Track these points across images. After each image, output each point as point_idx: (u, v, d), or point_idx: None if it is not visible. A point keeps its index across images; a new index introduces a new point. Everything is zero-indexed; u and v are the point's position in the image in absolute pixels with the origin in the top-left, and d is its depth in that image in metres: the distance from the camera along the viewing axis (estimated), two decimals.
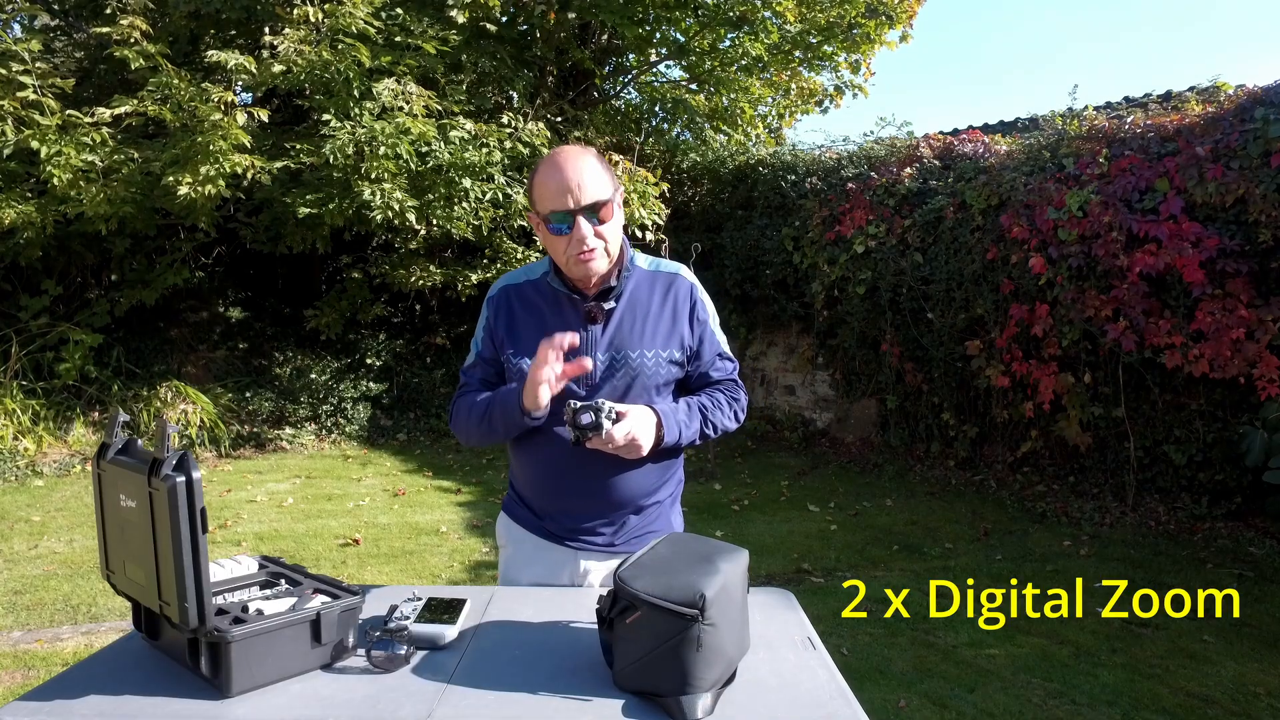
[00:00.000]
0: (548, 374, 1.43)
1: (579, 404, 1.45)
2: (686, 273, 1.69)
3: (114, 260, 7.54)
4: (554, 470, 1.60)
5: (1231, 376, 4.48)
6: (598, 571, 1.65)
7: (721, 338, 1.72)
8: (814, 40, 8.80)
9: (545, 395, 1.45)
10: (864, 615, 3.67)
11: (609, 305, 1.58)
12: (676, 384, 1.67)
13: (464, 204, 6.71)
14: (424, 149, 6.42)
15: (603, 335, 1.58)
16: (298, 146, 6.48)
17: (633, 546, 1.61)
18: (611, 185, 1.55)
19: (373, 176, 6.25)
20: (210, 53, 6.22)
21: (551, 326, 1.57)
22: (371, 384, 8.42)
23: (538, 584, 1.65)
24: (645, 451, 1.51)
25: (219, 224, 7.20)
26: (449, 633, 1.28)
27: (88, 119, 5.96)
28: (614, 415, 1.44)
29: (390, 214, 6.37)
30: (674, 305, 1.63)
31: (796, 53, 9.00)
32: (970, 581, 4.10)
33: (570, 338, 1.45)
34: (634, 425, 1.47)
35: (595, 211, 1.50)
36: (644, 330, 1.59)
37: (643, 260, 1.67)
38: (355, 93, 6.28)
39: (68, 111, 5.94)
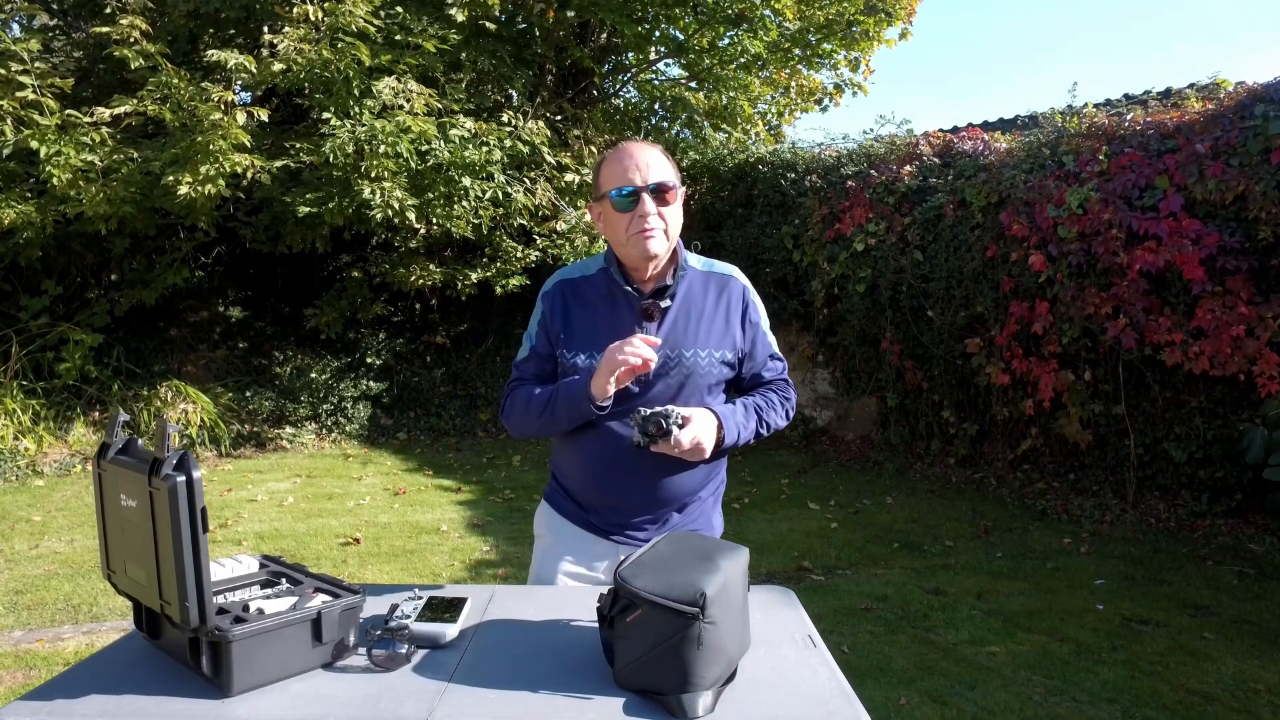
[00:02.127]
0: (620, 364, 1.46)
1: (647, 410, 1.48)
2: (739, 275, 1.72)
3: (114, 260, 7.54)
4: (604, 467, 1.62)
5: (1232, 374, 4.48)
6: None
7: (772, 339, 1.75)
8: (813, 38, 8.80)
9: (613, 384, 1.49)
10: (864, 613, 3.67)
11: (664, 304, 1.60)
12: (729, 383, 1.70)
13: (464, 203, 6.72)
14: (424, 148, 6.42)
15: (657, 333, 1.60)
16: (297, 145, 6.48)
17: None
18: (676, 178, 1.60)
19: (372, 175, 6.25)
20: (210, 52, 6.22)
21: (607, 322, 1.60)
22: (371, 383, 8.42)
23: (573, 574, 1.67)
24: (708, 455, 1.55)
25: (219, 223, 7.20)
26: (450, 631, 1.28)
27: (87, 119, 5.96)
28: (680, 420, 1.47)
29: (390, 213, 6.37)
30: (727, 307, 1.66)
31: (795, 51, 9.00)
32: (971, 579, 4.10)
33: (652, 341, 1.49)
34: (699, 429, 1.50)
35: (660, 193, 1.55)
36: (698, 330, 1.62)
37: (696, 261, 1.69)
38: (355, 91, 6.28)
39: (67, 111, 5.94)
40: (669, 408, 1.48)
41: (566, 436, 1.66)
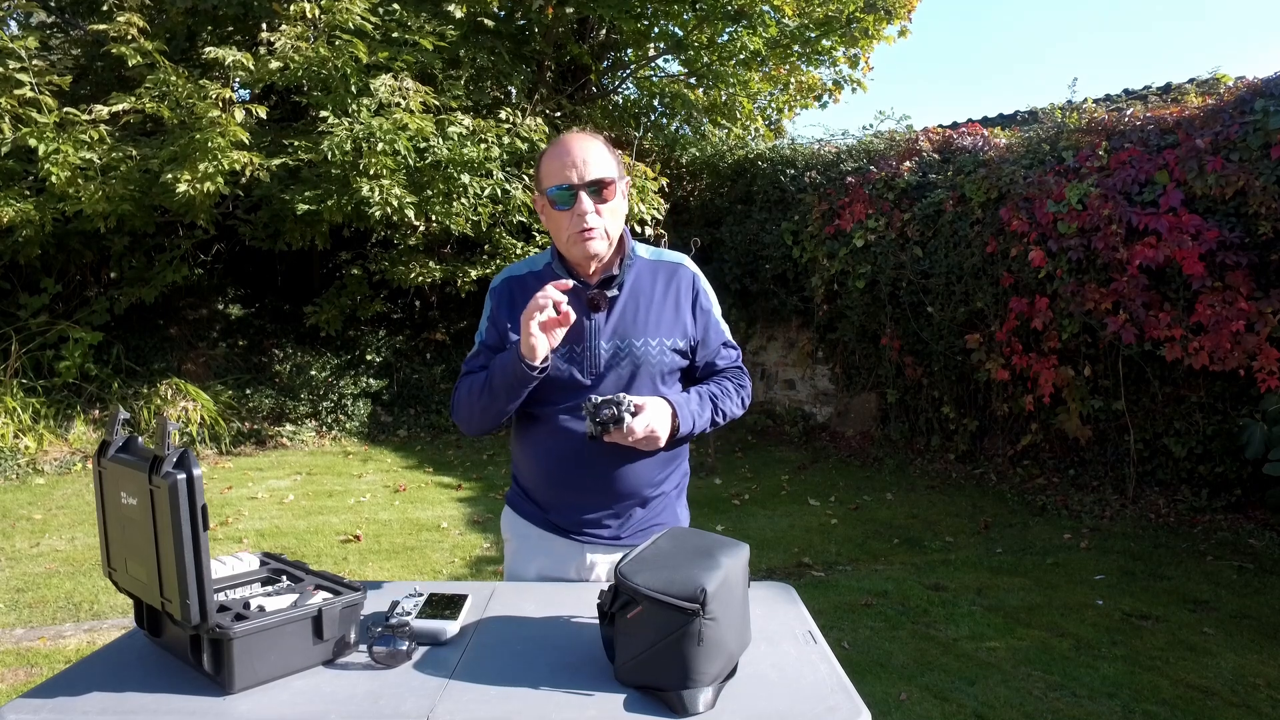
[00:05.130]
0: (539, 321, 1.43)
1: (599, 398, 1.45)
2: (689, 263, 1.70)
3: (113, 258, 7.53)
4: (559, 463, 1.60)
5: (1231, 369, 4.48)
6: (603, 564, 1.64)
7: (724, 326, 1.74)
8: (812, 35, 8.78)
9: (542, 345, 1.45)
10: (865, 608, 3.68)
11: (611, 293, 1.59)
12: (683, 372, 1.68)
13: (462, 200, 6.71)
14: (422, 145, 6.41)
15: (606, 323, 1.58)
16: (296, 143, 6.47)
17: (638, 539, 1.61)
18: (616, 170, 1.57)
19: (371, 173, 6.24)
20: (208, 49, 6.20)
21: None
22: (371, 380, 8.42)
23: (544, 577, 1.65)
24: (663, 443, 1.52)
25: (218, 221, 7.19)
26: (450, 628, 1.29)
27: (85, 116, 5.95)
28: (633, 408, 1.44)
29: (389, 210, 6.37)
30: (676, 295, 1.64)
31: (795, 47, 8.99)
32: (971, 574, 4.11)
33: (562, 284, 1.45)
34: (652, 418, 1.47)
35: (598, 190, 1.53)
36: (647, 318, 1.60)
37: (644, 251, 1.68)
38: (353, 89, 6.27)
39: (65, 109, 5.93)
40: (620, 395, 1.45)
41: (522, 435, 1.65)
